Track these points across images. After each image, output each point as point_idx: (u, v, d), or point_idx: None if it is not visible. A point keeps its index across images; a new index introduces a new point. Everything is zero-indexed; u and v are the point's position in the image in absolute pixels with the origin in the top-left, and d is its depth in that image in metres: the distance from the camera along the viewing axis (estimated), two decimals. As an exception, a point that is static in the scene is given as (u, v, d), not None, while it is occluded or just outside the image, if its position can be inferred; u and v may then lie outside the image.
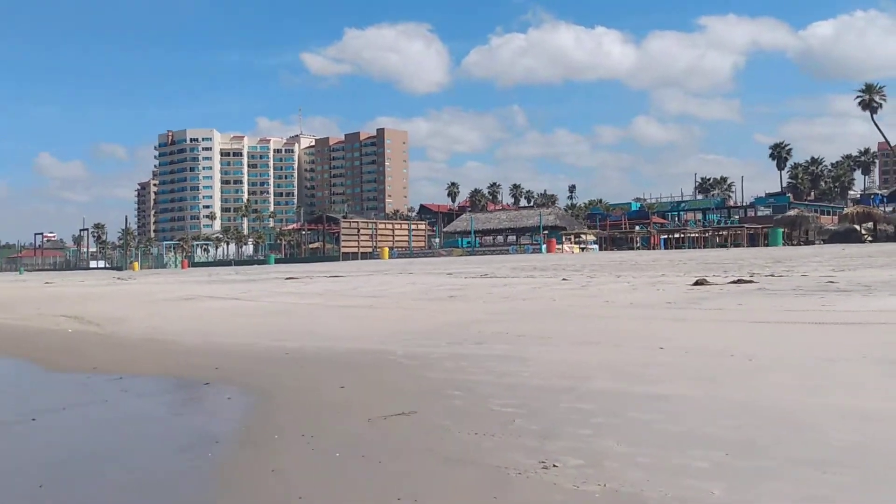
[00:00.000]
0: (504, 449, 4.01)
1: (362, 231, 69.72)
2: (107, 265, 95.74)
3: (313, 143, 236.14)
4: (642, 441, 3.97)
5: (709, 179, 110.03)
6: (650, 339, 7.59)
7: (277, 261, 70.96)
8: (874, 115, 70.70)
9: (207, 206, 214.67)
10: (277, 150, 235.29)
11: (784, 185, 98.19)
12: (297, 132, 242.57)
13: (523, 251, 55.46)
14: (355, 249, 65.78)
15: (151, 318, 13.13)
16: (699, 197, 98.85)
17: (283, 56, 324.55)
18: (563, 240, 60.52)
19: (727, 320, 8.75)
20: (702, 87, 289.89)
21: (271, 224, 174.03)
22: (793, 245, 49.90)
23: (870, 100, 70.07)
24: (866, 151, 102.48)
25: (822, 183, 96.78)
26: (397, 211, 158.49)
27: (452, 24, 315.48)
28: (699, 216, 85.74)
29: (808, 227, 56.18)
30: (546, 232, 60.97)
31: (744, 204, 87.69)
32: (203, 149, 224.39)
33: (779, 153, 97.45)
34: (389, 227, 74.38)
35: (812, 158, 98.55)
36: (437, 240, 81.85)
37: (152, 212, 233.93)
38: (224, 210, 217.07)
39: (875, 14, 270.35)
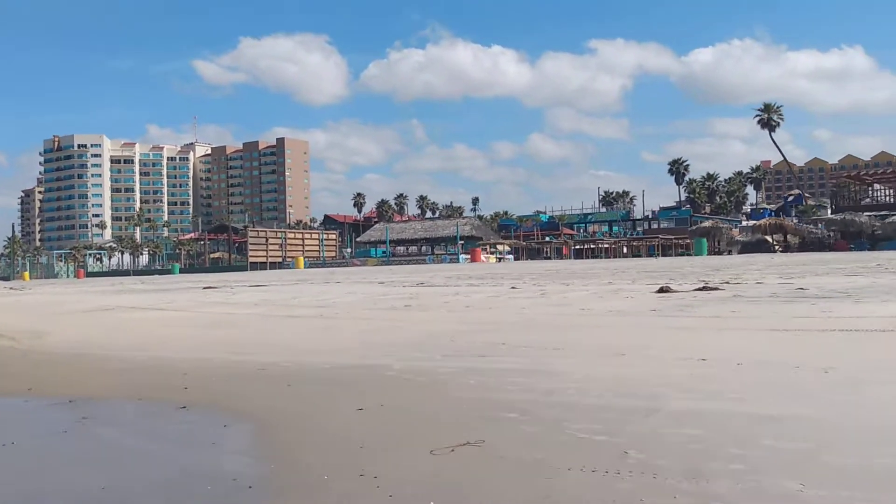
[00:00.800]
0: (657, 494, 3.14)
1: (271, 240, 67.46)
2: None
3: (209, 152, 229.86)
4: (824, 480, 3.17)
5: (611, 193, 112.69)
6: (677, 349, 6.88)
7: (182, 271, 67.78)
8: (772, 133, 73.75)
9: (97, 215, 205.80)
10: (171, 158, 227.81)
11: (682, 199, 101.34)
12: (189, 140, 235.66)
13: (440, 261, 54.62)
14: (263, 259, 63.43)
15: (73, 331, 11.63)
16: (603, 209, 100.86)
17: (174, 62, 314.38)
18: (480, 250, 60.10)
19: (739, 328, 8.15)
20: (593, 106, 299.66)
21: (166, 234, 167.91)
22: (709, 255, 51.10)
23: (768, 118, 72.89)
24: (757, 168, 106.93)
25: (718, 198, 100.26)
26: (300, 221, 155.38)
27: (351, 37, 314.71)
28: (603, 228, 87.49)
29: (720, 237, 57.89)
30: (462, 242, 60.47)
31: (644, 216, 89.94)
32: (92, 155, 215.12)
33: (677, 169, 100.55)
34: (299, 236, 72.22)
35: (708, 174, 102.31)
36: (349, 250, 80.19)
37: (37, 220, 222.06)
38: (115, 219, 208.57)
39: (750, 43, 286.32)
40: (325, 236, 71.98)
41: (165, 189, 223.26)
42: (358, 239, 78.53)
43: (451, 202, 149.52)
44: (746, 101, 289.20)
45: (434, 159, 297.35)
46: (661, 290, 13.39)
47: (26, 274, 74.31)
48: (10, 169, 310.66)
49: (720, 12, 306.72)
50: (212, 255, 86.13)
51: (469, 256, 54.24)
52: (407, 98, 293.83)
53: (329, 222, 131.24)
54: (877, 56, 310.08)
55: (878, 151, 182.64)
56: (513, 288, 16.51)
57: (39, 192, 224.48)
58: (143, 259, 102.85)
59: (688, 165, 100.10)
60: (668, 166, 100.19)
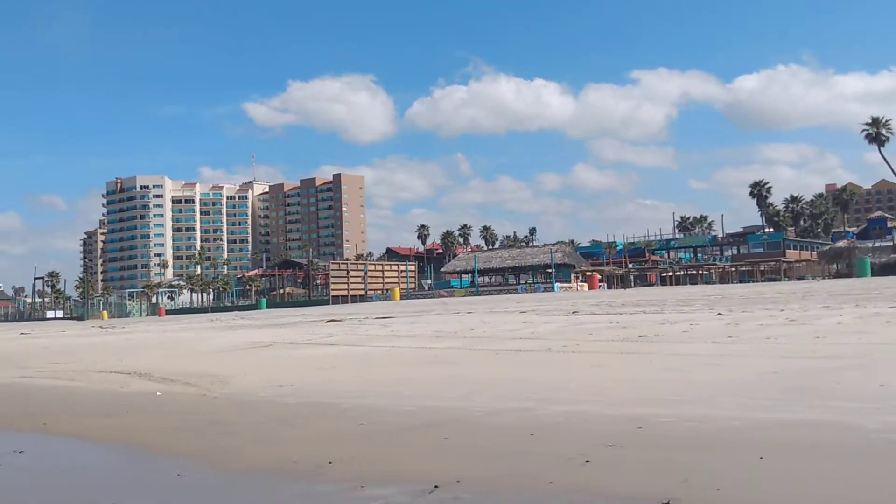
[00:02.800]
0: None
1: (352, 273, 65.67)
2: (65, 315, 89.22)
3: (267, 190, 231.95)
4: None
5: (688, 218, 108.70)
6: None
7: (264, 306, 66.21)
8: (881, 148, 69.58)
9: (159, 255, 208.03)
10: (231, 197, 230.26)
11: (763, 223, 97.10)
12: (241, 180, 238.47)
13: (534, 290, 52.01)
14: (345, 292, 61.54)
15: (256, 375, 9.55)
16: (679, 235, 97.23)
17: (226, 106, 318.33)
18: (573, 278, 57.41)
19: None
20: (637, 136, 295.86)
21: (225, 271, 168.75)
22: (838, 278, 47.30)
23: (877, 133, 68.86)
24: (844, 189, 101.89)
25: (802, 220, 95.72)
26: (359, 255, 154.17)
27: (396, 76, 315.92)
28: (685, 253, 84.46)
29: (852, 259, 54.16)
30: (551, 270, 57.93)
31: (719, 241, 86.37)
32: (154, 196, 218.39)
33: (759, 191, 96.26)
34: (379, 268, 70.29)
35: (792, 196, 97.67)
36: (429, 281, 78.26)
37: (100, 261, 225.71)
38: (176, 258, 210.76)
39: (796, 68, 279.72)
40: (408, 268, 69.79)
41: (225, 227, 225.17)
42: (442, 269, 76.37)
43: (514, 232, 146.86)
44: (794, 127, 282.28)
45: (479, 192, 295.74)
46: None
47: (105, 313, 73.51)
48: (69, 212, 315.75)
49: (764, 39, 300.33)
50: (282, 291, 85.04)
51: (564, 285, 51.59)
52: (451, 134, 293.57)
53: (392, 255, 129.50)
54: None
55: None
56: (719, 315, 14.09)
57: (102, 234, 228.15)
58: (210, 297, 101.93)
59: (770, 188, 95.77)
60: (749, 189, 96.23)
